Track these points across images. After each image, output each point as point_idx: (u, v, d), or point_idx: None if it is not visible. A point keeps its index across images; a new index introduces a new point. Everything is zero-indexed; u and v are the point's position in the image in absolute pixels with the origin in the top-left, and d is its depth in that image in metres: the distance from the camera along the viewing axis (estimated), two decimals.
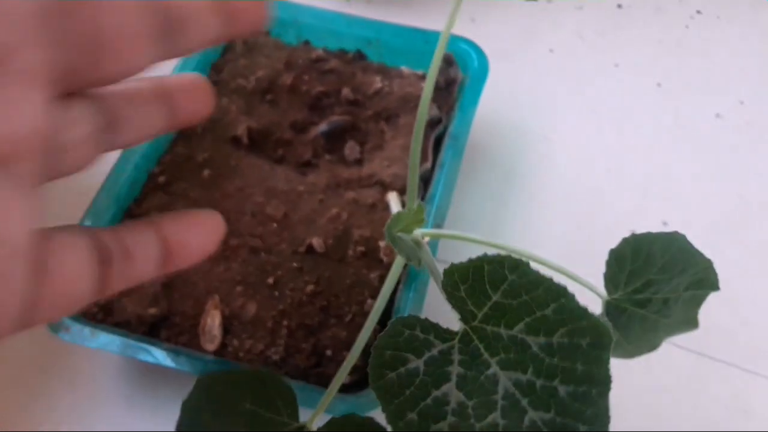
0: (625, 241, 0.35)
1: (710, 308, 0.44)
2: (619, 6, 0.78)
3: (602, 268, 0.59)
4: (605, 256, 0.60)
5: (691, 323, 0.40)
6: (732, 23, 0.76)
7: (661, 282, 0.36)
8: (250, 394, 0.33)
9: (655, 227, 0.61)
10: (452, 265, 0.31)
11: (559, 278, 0.38)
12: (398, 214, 0.35)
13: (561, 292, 0.30)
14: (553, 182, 0.64)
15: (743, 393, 0.54)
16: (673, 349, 0.55)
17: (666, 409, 0.53)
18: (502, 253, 0.31)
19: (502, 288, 0.30)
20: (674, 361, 0.55)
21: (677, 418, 0.52)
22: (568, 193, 0.63)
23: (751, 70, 0.72)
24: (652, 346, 0.41)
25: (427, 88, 0.38)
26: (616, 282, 0.36)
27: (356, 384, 0.45)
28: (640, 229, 0.61)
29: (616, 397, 0.53)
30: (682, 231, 0.61)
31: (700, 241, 0.60)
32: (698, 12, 0.77)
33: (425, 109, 0.38)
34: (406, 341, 0.32)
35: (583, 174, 0.65)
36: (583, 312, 0.30)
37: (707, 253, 0.59)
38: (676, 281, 0.36)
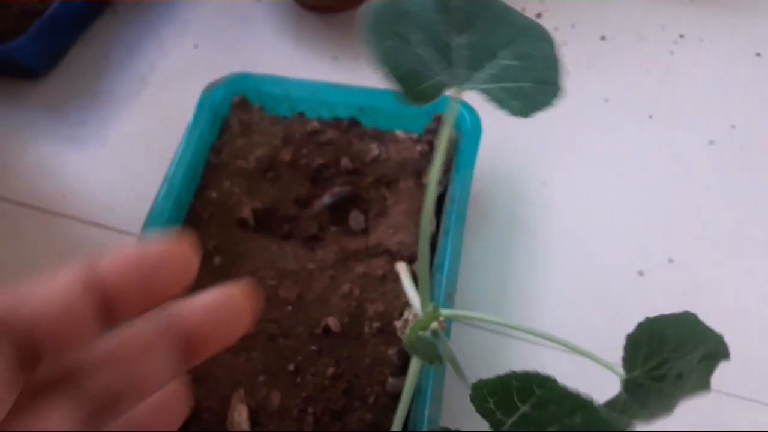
0: (639, 326, 0.36)
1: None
2: (603, 38, 0.79)
3: (612, 318, 0.60)
4: (614, 305, 0.61)
5: (704, 387, 0.41)
6: (715, 44, 0.77)
7: (675, 359, 0.37)
8: None
9: (661, 265, 0.62)
10: (480, 381, 0.32)
11: (576, 358, 0.40)
12: (415, 325, 0.36)
13: (587, 404, 0.31)
14: (555, 228, 0.65)
15: (762, 426, 0.55)
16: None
17: None
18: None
19: (530, 401, 0.31)
20: (691, 400, 0.56)
21: None
22: (572, 239, 0.64)
23: (739, 91, 0.73)
24: (668, 411, 0.42)
25: (437, 163, 0.39)
26: (634, 363, 0.37)
27: None
28: (647, 270, 0.62)
29: None
30: (687, 265, 0.62)
31: (707, 275, 0.61)
32: (681, 36, 0.78)
33: (432, 196, 0.38)
34: None
35: (583, 216, 0.66)
36: (610, 420, 0.31)
37: (715, 285, 0.61)
38: (689, 357, 0.37)
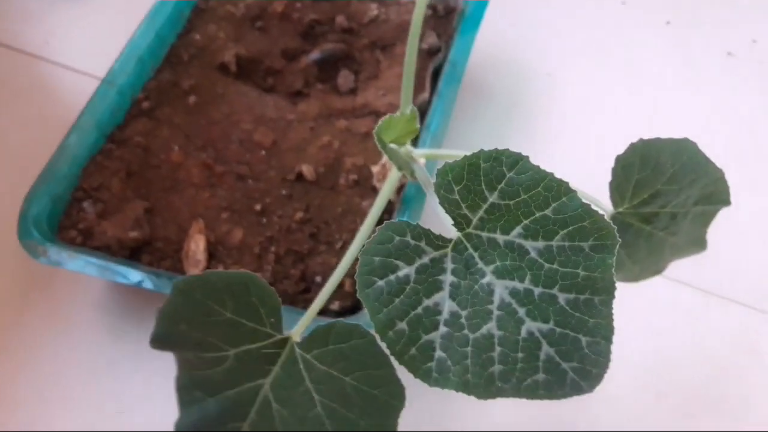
0: (632, 147, 0.33)
1: (718, 245, 0.42)
2: None
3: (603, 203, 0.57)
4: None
5: (699, 244, 0.38)
6: None
7: (669, 193, 0.34)
8: (232, 301, 0.31)
9: None
10: (446, 164, 0.29)
11: None
12: (389, 118, 0.33)
13: (563, 189, 0.27)
14: (555, 120, 0.61)
15: (750, 331, 0.52)
16: (679, 286, 0.53)
17: (671, 347, 0.51)
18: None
19: (500, 187, 0.28)
20: (680, 298, 0.53)
21: (682, 357, 0.51)
22: (570, 132, 0.61)
23: (764, 5, 0.69)
24: (657, 269, 0.39)
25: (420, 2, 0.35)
26: (622, 192, 0.34)
27: (346, 311, 0.44)
28: None
29: (619, 334, 0.51)
30: None
31: None
32: None
33: (421, 11, 0.35)
34: (396, 248, 0.30)
35: (585, 114, 0.62)
36: (586, 210, 0.27)
37: None
38: (685, 194, 0.34)
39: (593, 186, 0.57)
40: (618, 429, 0.48)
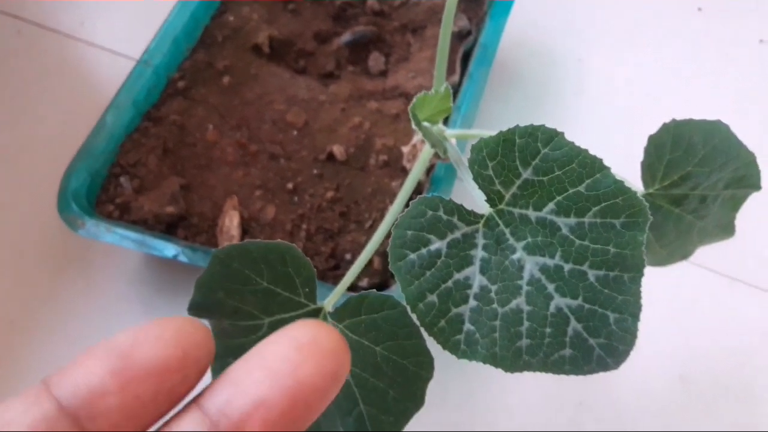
0: (665, 127, 0.33)
1: (746, 232, 0.42)
2: None
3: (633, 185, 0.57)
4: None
5: (727, 230, 0.38)
6: None
7: (700, 175, 0.34)
8: (269, 270, 0.32)
9: None
10: (481, 139, 0.29)
11: None
12: (424, 96, 0.33)
13: (597, 165, 0.28)
14: (585, 105, 0.61)
15: None
16: (704, 272, 0.53)
17: (695, 333, 0.51)
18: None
19: (534, 163, 0.29)
20: (706, 284, 0.53)
21: (707, 343, 0.51)
22: (601, 118, 0.61)
23: None
24: (685, 254, 0.39)
25: None
26: (654, 172, 0.34)
27: (374, 288, 0.44)
28: None
29: (643, 317, 0.51)
30: None
31: None
32: None
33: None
34: (429, 222, 0.31)
35: (617, 100, 0.62)
36: (620, 187, 0.28)
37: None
38: (715, 176, 0.34)
39: (622, 171, 0.57)
40: (641, 411, 0.48)
